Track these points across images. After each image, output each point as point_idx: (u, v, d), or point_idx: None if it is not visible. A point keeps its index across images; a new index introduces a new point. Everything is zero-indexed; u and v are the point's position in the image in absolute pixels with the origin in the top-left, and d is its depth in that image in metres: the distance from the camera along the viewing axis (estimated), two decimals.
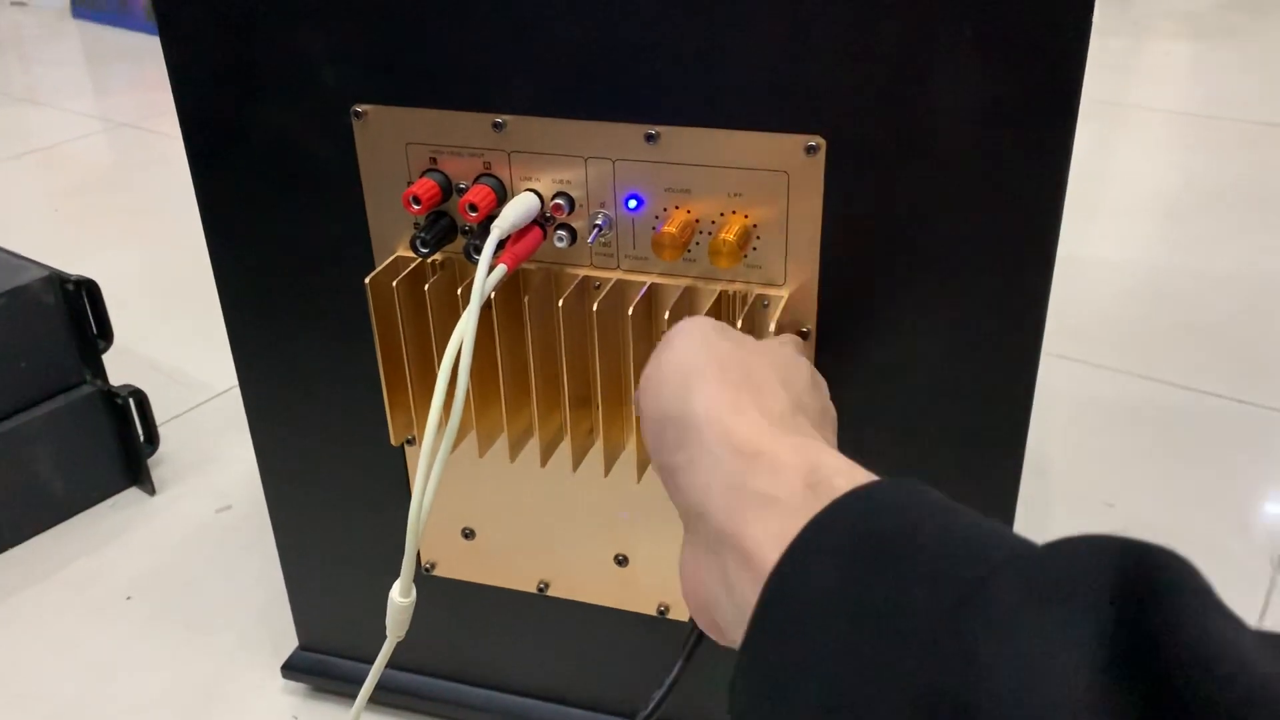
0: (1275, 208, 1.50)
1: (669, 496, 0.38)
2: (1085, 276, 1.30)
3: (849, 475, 0.32)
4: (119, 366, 0.96)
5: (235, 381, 0.65)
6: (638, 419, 0.41)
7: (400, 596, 0.51)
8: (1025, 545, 0.27)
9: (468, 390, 0.48)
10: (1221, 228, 1.44)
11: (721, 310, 0.53)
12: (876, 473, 0.34)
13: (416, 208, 0.53)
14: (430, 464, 0.48)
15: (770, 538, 0.31)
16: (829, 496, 0.30)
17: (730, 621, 0.33)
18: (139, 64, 2.23)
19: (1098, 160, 1.65)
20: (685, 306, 0.53)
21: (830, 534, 0.29)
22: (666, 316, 0.51)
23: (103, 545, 0.91)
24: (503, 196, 0.53)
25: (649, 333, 0.54)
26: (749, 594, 0.30)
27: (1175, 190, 1.59)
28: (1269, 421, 1.05)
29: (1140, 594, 0.23)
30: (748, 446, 0.34)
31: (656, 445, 0.38)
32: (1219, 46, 2.25)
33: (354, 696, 0.72)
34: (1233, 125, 1.80)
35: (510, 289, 0.54)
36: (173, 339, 1.19)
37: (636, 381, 0.54)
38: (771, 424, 0.35)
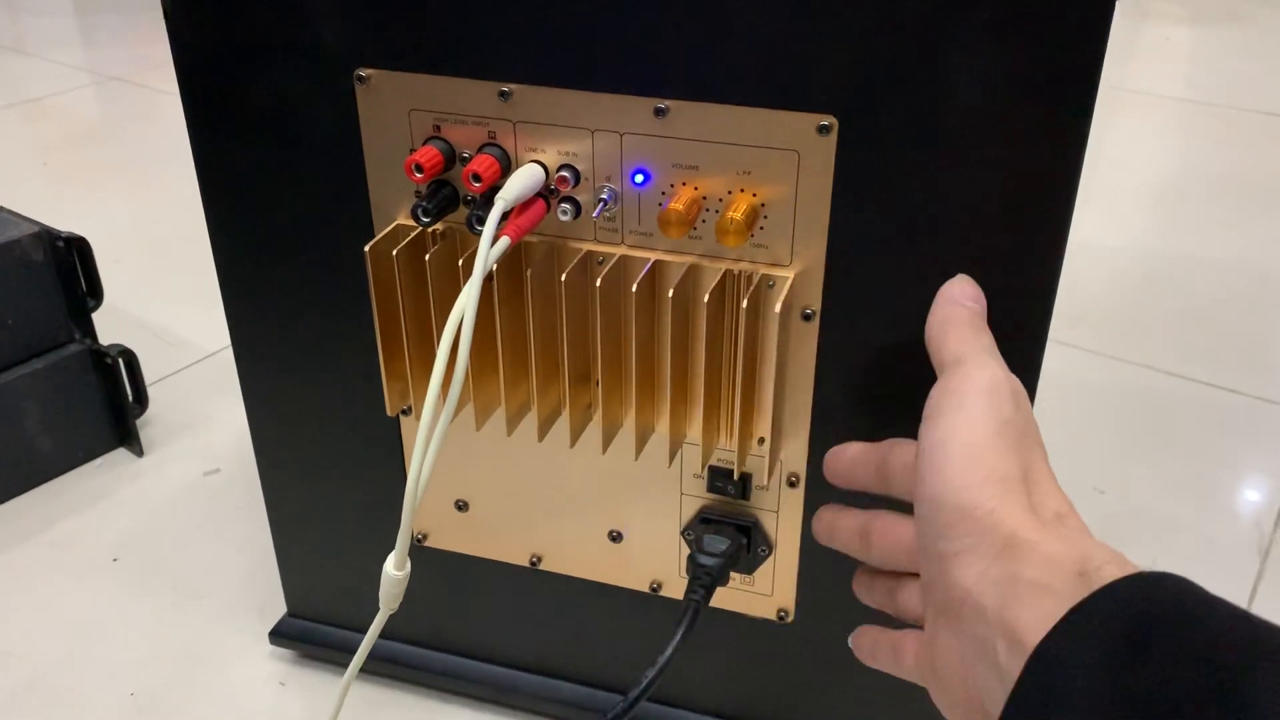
0: (1272, 197, 1.50)
1: (928, 585, 0.39)
2: (1079, 261, 1.29)
3: (1118, 564, 0.33)
4: (107, 325, 0.95)
5: (225, 343, 0.64)
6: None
7: (395, 569, 0.51)
8: None
9: (467, 363, 0.48)
10: (1218, 216, 1.44)
11: (726, 289, 0.52)
12: None
13: (419, 176, 0.52)
14: (428, 437, 0.48)
15: (1040, 621, 0.32)
16: (1099, 583, 0.31)
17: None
18: (129, 16, 2.19)
19: (1094, 144, 1.63)
20: (689, 284, 0.52)
21: (1096, 616, 0.30)
22: (670, 294, 0.51)
23: (89, 506, 0.90)
24: (507, 167, 0.52)
25: (651, 309, 0.53)
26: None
27: (1172, 177, 1.58)
28: (1260, 411, 1.05)
29: None
30: (1020, 538, 0.35)
31: (928, 529, 0.38)
32: (1221, 32, 2.24)
33: (341, 664, 0.72)
34: (1232, 113, 1.79)
35: (512, 262, 0.53)
36: (162, 298, 1.18)
37: (636, 358, 0.53)
38: (1038, 516, 0.36)
